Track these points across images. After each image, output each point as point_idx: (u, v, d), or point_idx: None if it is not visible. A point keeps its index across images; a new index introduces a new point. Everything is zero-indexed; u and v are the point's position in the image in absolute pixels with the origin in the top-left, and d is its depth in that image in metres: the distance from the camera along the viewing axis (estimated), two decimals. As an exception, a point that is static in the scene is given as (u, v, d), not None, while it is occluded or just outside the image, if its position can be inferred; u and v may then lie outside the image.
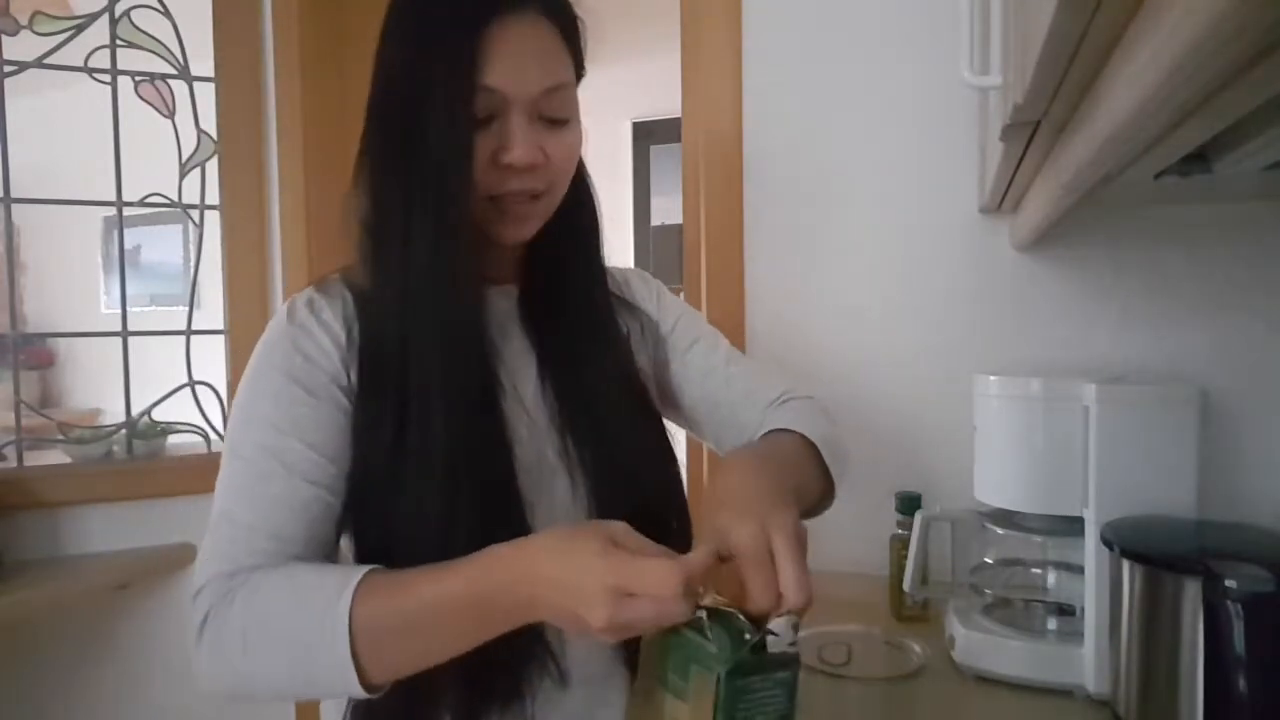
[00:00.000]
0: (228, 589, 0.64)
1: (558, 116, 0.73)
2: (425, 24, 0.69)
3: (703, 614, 0.57)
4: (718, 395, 0.89)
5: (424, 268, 0.69)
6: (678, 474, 0.86)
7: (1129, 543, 0.82)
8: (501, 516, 0.70)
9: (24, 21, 1.55)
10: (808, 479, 0.77)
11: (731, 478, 0.65)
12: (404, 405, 0.69)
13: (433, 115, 0.68)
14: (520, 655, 0.70)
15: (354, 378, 0.72)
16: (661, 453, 0.84)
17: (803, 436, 0.79)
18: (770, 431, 0.81)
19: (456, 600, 0.60)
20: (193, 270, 1.71)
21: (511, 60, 0.68)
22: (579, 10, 0.76)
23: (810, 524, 1.39)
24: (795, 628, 0.58)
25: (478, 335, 0.73)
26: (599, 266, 0.85)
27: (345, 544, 0.74)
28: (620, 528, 0.59)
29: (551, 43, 0.72)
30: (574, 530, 0.60)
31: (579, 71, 0.77)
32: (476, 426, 0.71)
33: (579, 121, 0.76)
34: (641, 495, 0.77)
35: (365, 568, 0.63)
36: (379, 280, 0.73)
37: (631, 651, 0.77)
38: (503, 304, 0.81)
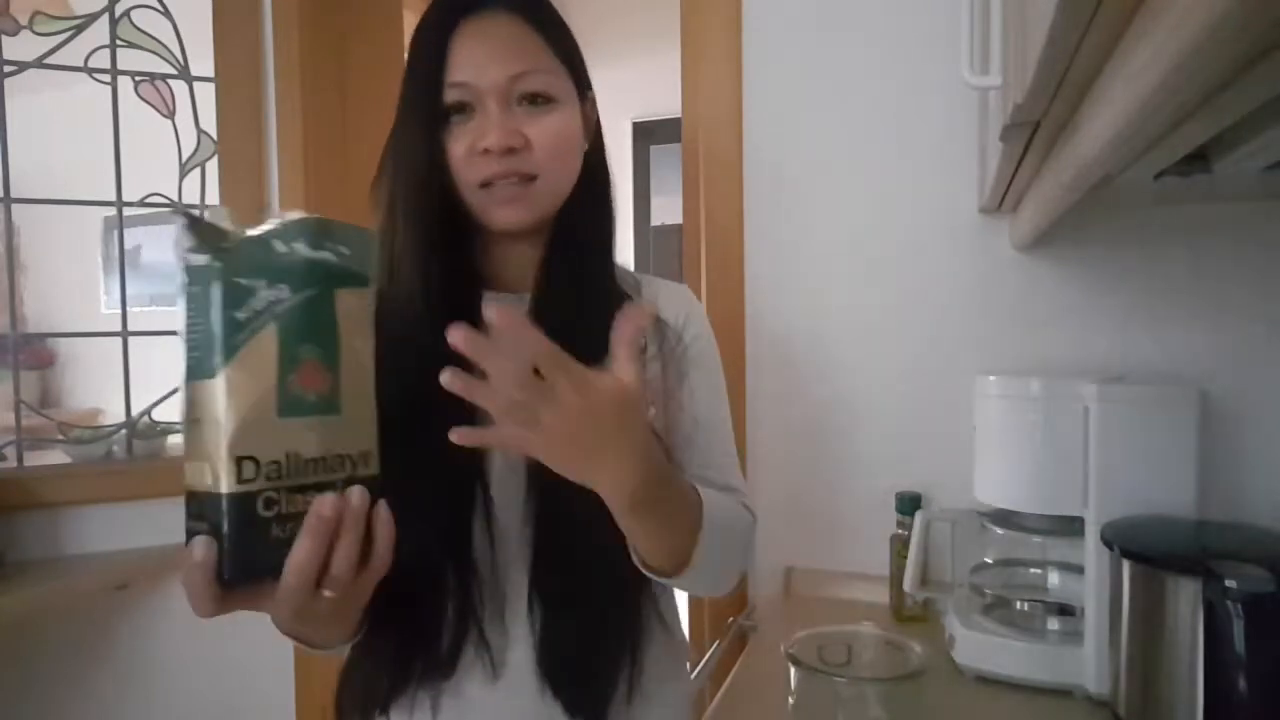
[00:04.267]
0: None
1: (536, 94, 0.75)
2: (415, 44, 0.77)
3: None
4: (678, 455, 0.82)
5: (402, 252, 0.75)
6: None
7: (1129, 543, 0.82)
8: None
9: (24, 21, 1.55)
10: (695, 517, 0.68)
11: None
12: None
13: (407, 115, 0.75)
14: (455, 636, 0.73)
15: None
16: None
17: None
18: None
19: None
20: (193, 270, 1.71)
21: (474, 54, 0.73)
22: (566, 15, 0.79)
23: (810, 525, 1.39)
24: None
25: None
26: (606, 271, 0.82)
27: None
28: None
29: (518, 33, 0.75)
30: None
31: (572, 63, 0.78)
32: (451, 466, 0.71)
33: (570, 106, 0.77)
34: None
35: None
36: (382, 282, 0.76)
37: (564, 661, 0.75)
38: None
